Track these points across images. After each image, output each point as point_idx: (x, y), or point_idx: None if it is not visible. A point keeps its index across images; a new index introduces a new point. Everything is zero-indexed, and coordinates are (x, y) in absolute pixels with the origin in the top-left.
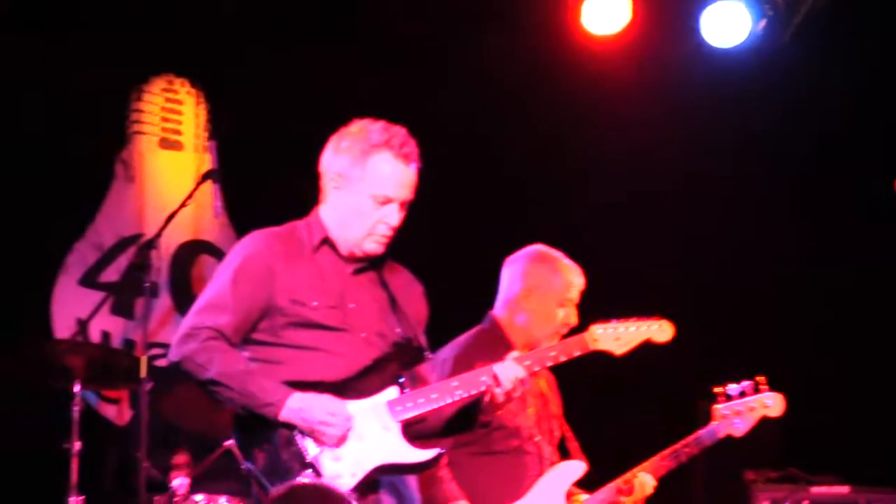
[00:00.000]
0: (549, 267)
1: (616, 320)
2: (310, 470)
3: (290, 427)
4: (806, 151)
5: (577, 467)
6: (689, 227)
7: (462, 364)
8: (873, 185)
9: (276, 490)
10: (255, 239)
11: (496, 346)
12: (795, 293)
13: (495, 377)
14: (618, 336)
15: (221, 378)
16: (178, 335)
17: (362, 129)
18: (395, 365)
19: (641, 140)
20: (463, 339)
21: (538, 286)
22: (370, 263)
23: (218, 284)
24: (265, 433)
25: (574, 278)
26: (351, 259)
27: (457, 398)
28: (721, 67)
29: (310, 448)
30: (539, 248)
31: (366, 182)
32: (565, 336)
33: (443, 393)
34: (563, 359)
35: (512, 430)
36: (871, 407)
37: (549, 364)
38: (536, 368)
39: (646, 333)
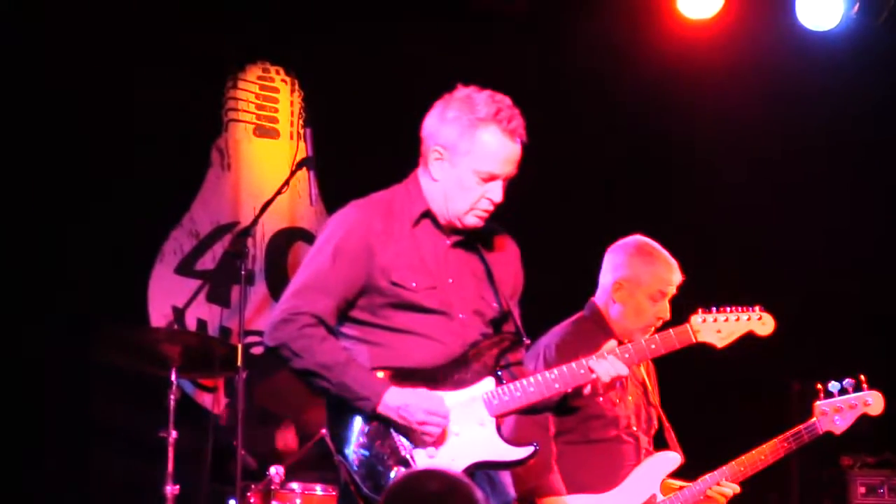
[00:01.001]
0: (643, 260)
1: (716, 310)
2: (402, 467)
3: (386, 420)
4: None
5: (672, 458)
6: (785, 210)
7: (566, 352)
8: None
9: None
10: (354, 213)
11: (597, 333)
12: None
13: (592, 371)
14: (719, 328)
15: (318, 369)
16: (274, 318)
17: (469, 100)
18: (494, 352)
19: (736, 124)
20: (563, 326)
21: (629, 279)
22: (469, 234)
23: (316, 264)
24: (359, 425)
25: (667, 273)
26: (450, 230)
27: (554, 392)
28: (815, 51)
29: (405, 443)
30: (638, 239)
31: (472, 157)
32: (660, 329)
33: (540, 387)
34: (663, 351)
35: (610, 419)
36: None
37: (650, 357)
38: (636, 361)
39: (747, 325)
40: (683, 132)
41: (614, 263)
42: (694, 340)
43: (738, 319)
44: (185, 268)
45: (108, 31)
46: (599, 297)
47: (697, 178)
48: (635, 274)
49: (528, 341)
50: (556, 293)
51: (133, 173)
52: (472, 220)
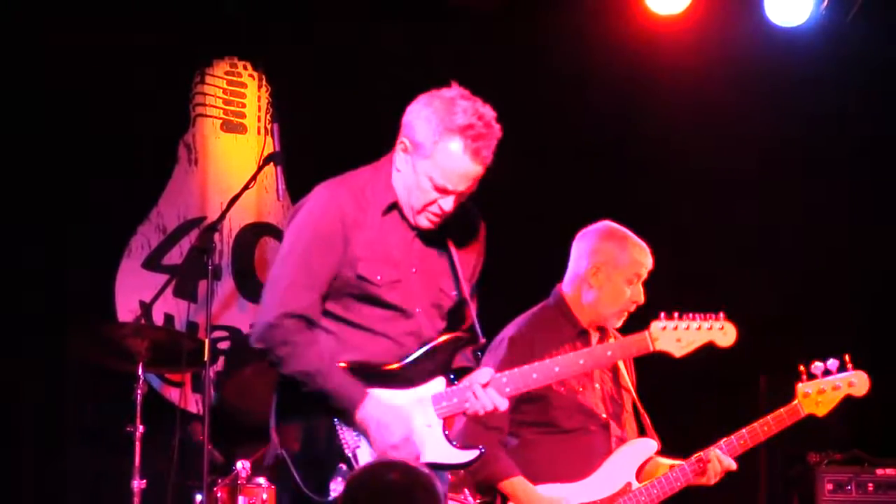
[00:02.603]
0: (617, 243)
1: (678, 317)
2: (345, 465)
3: (335, 416)
4: (870, 131)
5: (648, 445)
6: (754, 204)
7: (520, 345)
8: None
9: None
10: (327, 198)
11: (560, 322)
12: (860, 272)
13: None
14: (679, 336)
15: (300, 376)
16: (260, 320)
17: (450, 104)
18: (448, 352)
19: (705, 119)
20: (524, 316)
21: (606, 263)
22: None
23: (296, 257)
24: (308, 419)
25: (641, 256)
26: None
27: (507, 394)
28: (784, 46)
29: (350, 442)
30: (608, 224)
31: (431, 163)
32: (624, 331)
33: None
34: (619, 357)
35: (575, 408)
36: None
37: (607, 364)
38: (590, 369)
39: (708, 335)
40: (653, 127)
41: (587, 249)
42: (651, 349)
43: (699, 328)
44: (152, 262)
45: (75, 25)
46: (567, 285)
47: (668, 172)
48: (612, 257)
49: (482, 340)
50: (528, 286)
51: (100, 168)
52: (424, 222)
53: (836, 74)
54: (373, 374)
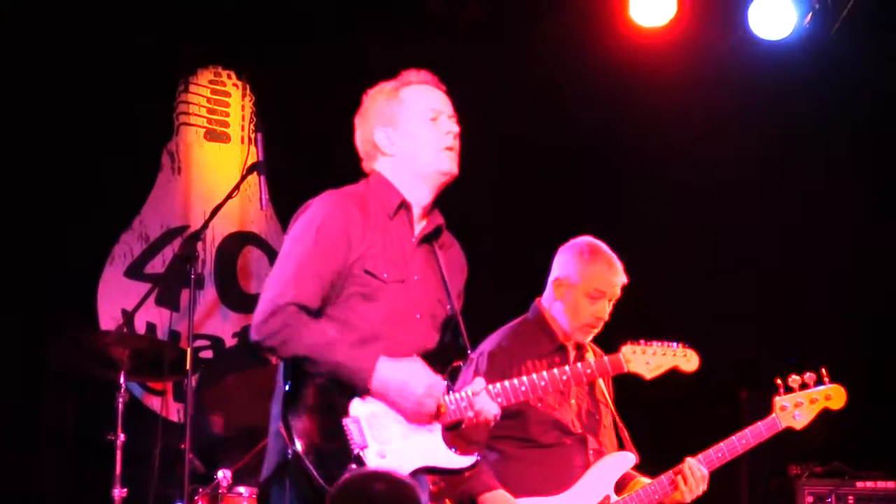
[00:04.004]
0: (583, 259)
1: (645, 342)
2: (355, 464)
3: (341, 415)
4: (851, 143)
5: (626, 458)
6: (738, 216)
7: (499, 358)
8: None
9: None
10: (332, 199)
11: (538, 335)
12: (838, 286)
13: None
14: (648, 360)
15: (307, 352)
16: (261, 311)
17: (375, 91)
18: (441, 363)
19: (688, 131)
20: (503, 330)
21: (568, 277)
22: (430, 234)
23: (299, 249)
24: (315, 420)
25: (607, 274)
26: (420, 220)
27: (500, 405)
28: (768, 59)
29: (357, 440)
30: (585, 239)
31: (409, 111)
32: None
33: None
34: (597, 376)
35: (551, 423)
36: None
37: (585, 382)
38: (567, 387)
39: (673, 361)
40: (636, 138)
41: (559, 262)
42: (626, 370)
43: (664, 354)
44: (134, 271)
45: (59, 33)
46: (545, 297)
47: (649, 183)
48: (574, 272)
49: (472, 356)
50: (506, 298)
51: (84, 176)
52: (447, 163)
53: (820, 88)
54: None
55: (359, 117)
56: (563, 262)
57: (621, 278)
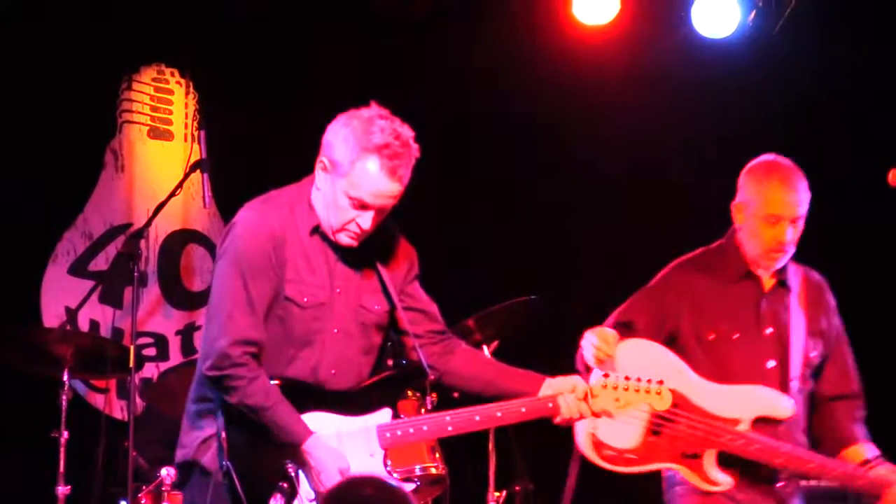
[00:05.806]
0: (756, 179)
1: (615, 376)
2: (287, 484)
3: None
4: (795, 142)
5: None
6: (685, 214)
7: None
8: (867, 176)
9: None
10: (256, 221)
11: (726, 262)
12: None
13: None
14: (617, 396)
15: (246, 410)
16: (212, 349)
17: (368, 124)
18: (397, 383)
19: (631, 130)
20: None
21: (745, 200)
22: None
23: (232, 286)
24: (256, 433)
25: (778, 194)
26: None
27: (447, 434)
28: (711, 58)
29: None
30: (764, 158)
31: (348, 180)
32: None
33: (434, 429)
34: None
35: None
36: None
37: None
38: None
39: (646, 399)
40: (580, 137)
41: (738, 185)
42: (590, 412)
43: (637, 390)
44: (78, 269)
45: (8, 29)
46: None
47: (593, 180)
48: (749, 194)
49: (431, 377)
50: (451, 296)
51: (27, 173)
52: (344, 240)
53: (764, 86)
54: (321, 396)
55: (338, 124)
56: (740, 185)
57: (793, 197)
